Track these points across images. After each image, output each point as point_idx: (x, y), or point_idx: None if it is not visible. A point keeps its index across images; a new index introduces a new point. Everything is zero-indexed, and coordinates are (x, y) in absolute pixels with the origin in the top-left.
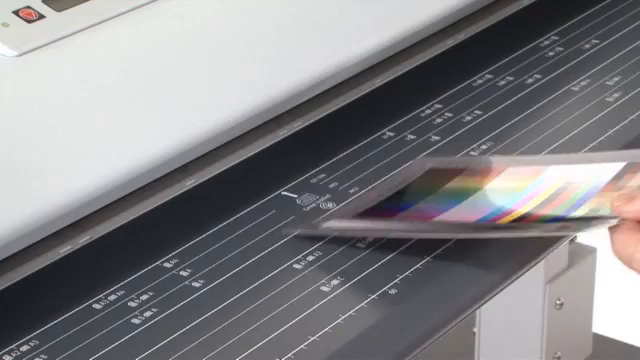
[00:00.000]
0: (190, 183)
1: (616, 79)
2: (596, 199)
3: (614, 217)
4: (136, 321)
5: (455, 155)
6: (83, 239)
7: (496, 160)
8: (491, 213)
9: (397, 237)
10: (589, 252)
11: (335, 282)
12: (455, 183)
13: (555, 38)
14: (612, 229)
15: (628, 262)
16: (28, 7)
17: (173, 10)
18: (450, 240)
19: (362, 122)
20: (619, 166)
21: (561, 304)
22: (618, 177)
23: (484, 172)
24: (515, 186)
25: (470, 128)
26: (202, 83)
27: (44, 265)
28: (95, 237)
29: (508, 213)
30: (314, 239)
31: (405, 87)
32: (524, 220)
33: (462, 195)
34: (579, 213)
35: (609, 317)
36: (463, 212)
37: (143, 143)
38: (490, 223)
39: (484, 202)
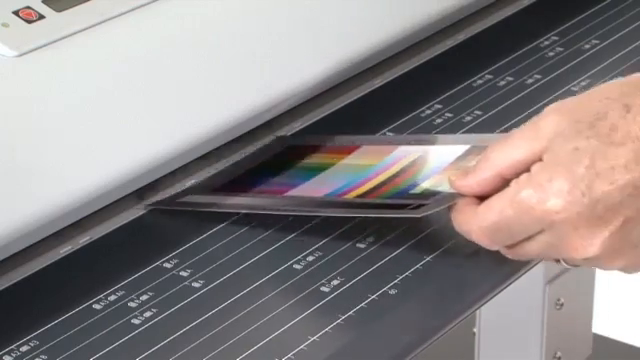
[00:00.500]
0: (190, 183)
1: (616, 79)
2: (437, 176)
3: (452, 195)
4: (136, 321)
5: None
6: (83, 239)
7: (354, 139)
8: (339, 188)
9: (248, 212)
10: None
11: (335, 282)
12: (311, 159)
13: (555, 38)
14: (452, 206)
15: (468, 236)
16: (28, 7)
17: (173, 10)
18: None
19: (362, 122)
20: (463, 148)
21: (561, 304)
22: (461, 158)
23: (340, 150)
24: (366, 163)
25: (470, 128)
26: (202, 83)
27: (44, 265)
28: (95, 237)
29: (355, 188)
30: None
31: (405, 87)
32: (368, 195)
33: (315, 171)
34: (418, 190)
35: (609, 317)
36: (314, 187)
37: (143, 143)
38: (336, 198)
39: (335, 177)
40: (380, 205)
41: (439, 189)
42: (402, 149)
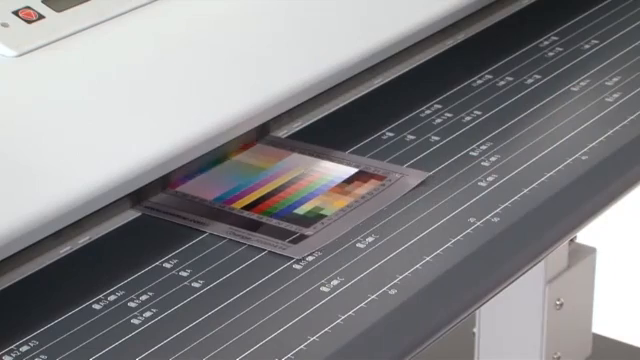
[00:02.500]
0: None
1: (616, 79)
2: (322, 197)
3: (334, 220)
4: (136, 321)
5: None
6: (83, 239)
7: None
8: (228, 192)
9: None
10: (589, 252)
11: (335, 282)
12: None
13: (555, 38)
14: None
15: None
16: (28, 7)
17: (173, 10)
18: (447, 242)
19: (362, 122)
20: (352, 171)
21: (561, 304)
22: (349, 181)
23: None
24: (257, 165)
25: (470, 128)
26: (202, 83)
27: (44, 265)
28: (95, 237)
29: (243, 195)
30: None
31: (405, 87)
32: (254, 209)
33: (209, 163)
34: (302, 211)
35: (609, 317)
36: (205, 184)
37: (143, 143)
38: (223, 207)
39: (226, 176)
40: (263, 226)
41: (322, 212)
42: (295, 157)
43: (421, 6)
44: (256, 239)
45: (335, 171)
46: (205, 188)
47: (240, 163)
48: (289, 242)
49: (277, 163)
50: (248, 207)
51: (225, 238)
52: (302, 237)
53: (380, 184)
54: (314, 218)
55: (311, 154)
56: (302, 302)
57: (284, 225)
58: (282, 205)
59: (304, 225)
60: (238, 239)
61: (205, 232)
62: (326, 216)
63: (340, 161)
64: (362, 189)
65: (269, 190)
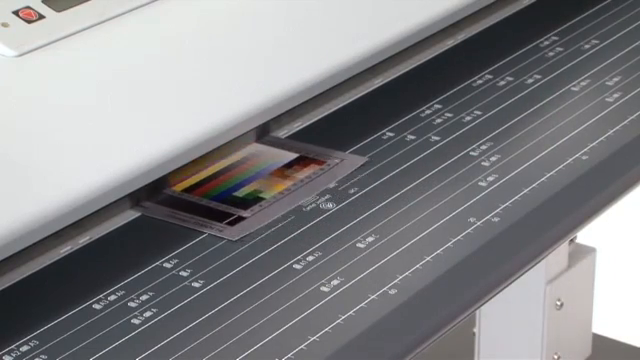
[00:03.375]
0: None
1: (616, 79)
2: (262, 181)
3: (272, 203)
4: (136, 321)
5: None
6: (83, 239)
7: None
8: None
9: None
10: (589, 252)
11: (335, 282)
12: None
13: (555, 38)
14: None
15: None
16: (28, 7)
17: (173, 10)
18: (447, 242)
19: (362, 122)
20: (293, 156)
21: (561, 304)
22: (289, 165)
23: None
24: None
25: (470, 128)
26: (202, 83)
27: (44, 265)
28: (95, 237)
29: (184, 178)
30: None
31: (405, 87)
32: (194, 192)
33: None
34: (241, 193)
35: (609, 317)
36: None
37: (143, 143)
38: (164, 189)
39: None
40: (202, 208)
41: (261, 195)
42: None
43: (421, 6)
44: (194, 221)
45: (276, 156)
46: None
47: None
48: (226, 224)
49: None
50: (188, 190)
51: (224, 239)
52: (239, 219)
53: (319, 168)
54: (252, 200)
55: (255, 140)
56: (302, 302)
57: (223, 207)
58: (222, 188)
59: (242, 207)
60: (177, 222)
61: (205, 232)
62: (264, 199)
63: (282, 146)
64: (301, 173)
65: (210, 173)
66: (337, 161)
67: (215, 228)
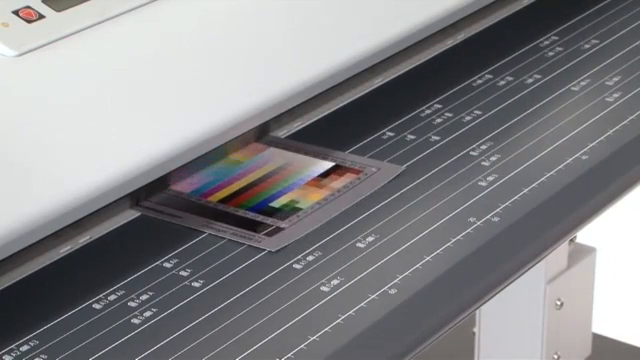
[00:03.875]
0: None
1: (616, 79)
2: (298, 191)
3: (309, 213)
4: (136, 321)
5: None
6: (83, 239)
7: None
8: (205, 185)
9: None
10: (589, 252)
11: (335, 282)
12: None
13: (555, 38)
14: None
15: None
16: (28, 7)
17: (173, 10)
18: (447, 242)
19: (362, 122)
20: (328, 165)
21: (561, 304)
22: (324, 175)
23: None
24: (235, 159)
25: (470, 128)
26: (202, 83)
27: (44, 265)
28: (95, 237)
29: (220, 188)
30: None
31: (405, 87)
32: (230, 202)
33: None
34: (278, 204)
35: (609, 317)
36: (190, 179)
37: (143, 143)
38: (199, 200)
39: (209, 170)
40: (238, 219)
41: (298, 205)
42: (271, 151)
43: (421, 6)
44: (232, 232)
45: (312, 165)
46: (187, 183)
47: (226, 159)
48: (264, 235)
49: (254, 157)
50: (224, 200)
51: (224, 238)
52: (277, 230)
53: (356, 178)
54: (290, 211)
55: (288, 149)
56: (302, 302)
57: (260, 218)
58: (258, 198)
59: (279, 218)
60: (213, 232)
61: (205, 232)
62: (301, 209)
63: (317, 155)
64: (338, 182)
65: (245, 184)
66: (374, 170)
67: (253, 239)
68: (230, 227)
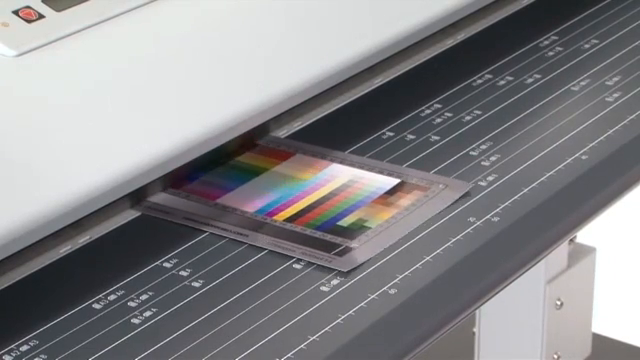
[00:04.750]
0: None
1: (616, 79)
2: (365, 209)
3: (378, 232)
4: (136, 321)
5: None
6: (83, 239)
7: (287, 143)
8: (270, 203)
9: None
10: (589, 252)
11: (335, 282)
12: (243, 158)
13: (555, 38)
14: None
15: None
16: (28, 7)
17: (173, 10)
18: (447, 242)
19: (362, 122)
20: (394, 182)
21: (561, 304)
22: (391, 192)
23: (273, 153)
24: (298, 176)
25: (470, 128)
26: (202, 83)
27: (44, 265)
28: (95, 237)
29: (285, 206)
30: None
31: (405, 87)
32: (297, 221)
33: (248, 174)
34: (345, 223)
35: (609, 317)
36: (246, 195)
37: (143, 143)
38: (265, 219)
39: (267, 187)
40: (307, 238)
41: (366, 224)
42: (335, 167)
43: (421, 6)
44: (301, 252)
45: (377, 182)
46: (245, 199)
47: (280, 174)
48: (334, 254)
49: (317, 174)
50: (290, 219)
51: (226, 238)
52: (347, 249)
53: (423, 195)
54: (358, 230)
55: (351, 164)
56: (302, 302)
57: (329, 237)
58: (325, 217)
59: (348, 237)
60: (281, 251)
61: (205, 232)
62: (370, 228)
63: (381, 171)
64: (405, 200)
65: (311, 202)
66: (441, 187)
67: (324, 259)
68: (299, 246)
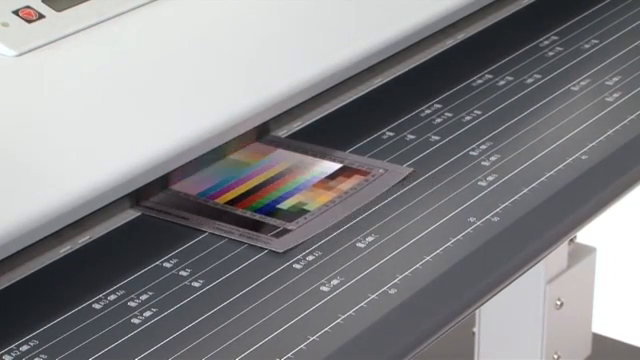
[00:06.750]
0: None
1: (616, 79)
2: (306, 192)
3: (316, 215)
4: (136, 321)
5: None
6: (83, 239)
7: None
8: (213, 186)
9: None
10: (589, 252)
11: (335, 282)
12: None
13: (555, 38)
14: None
15: None
16: (28, 7)
17: (173, 10)
18: (447, 242)
19: (362, 122)
20: (336, 166)
21: (561, 304)
22: (332, 176)
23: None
24: (244, 160)
25: (470, 128)
26: (202, 83)
27: (44, 265)
28: (95, 237)
29: (228, 189)
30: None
31: (405, 87)
32: (238, 204)
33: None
34: (285, 205)
35: (609, 317)
36: (196, 180)
37: (143, 143)
38: (206, 202)
39: (216, 172)
40: (246, 220)
41: (306, 207)
42: (279, 152)
43: (421, 6)
44: (239, 233)
45: (319, 167)
46: (192, 184)
47: (231, 160)
48: (272, 236)
49: (262, 159)
50: (232, 202)
51: (225, 238)
52: (285, 231)
53: (363, 179)
54: (297, 213)
55: (296, 150)
56: (302, 302)
57: (268, 220)
58: (266, 200)
59: (287, 220)
60: (221, 233)
61: (205, 232)
62: (309, 211)
63: (324, 157)
64: (345, 184)
65: (253, 185)
66: (381, 172)
67: (261, 240)
68: (237, 228)
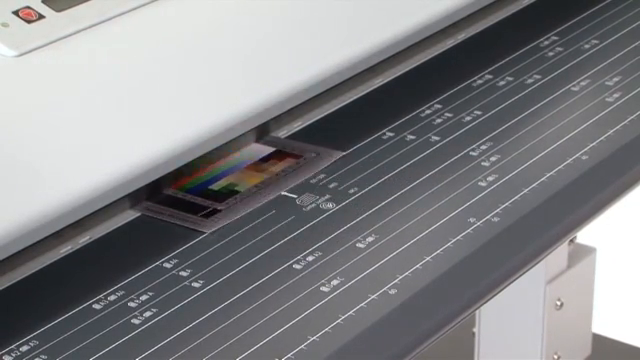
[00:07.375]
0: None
1: (616, 79)
2: (238, 174)
3: (247, 196)
4: (136, 321)
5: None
6: (83, 239)
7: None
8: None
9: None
10: (589, 252)
11: (335, 282)
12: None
13: (555, 38)
14: None
15: None
16: (28, 7)
17: (173, 10)
18: (447, 242)
19: (362, 122)
20: (269, 150)
21: (561, 304)
22: (265, 159)
23: None
24: None
25: (470, 128)
26: (202, 83)
27: (44, 265)
28: (95, 237)
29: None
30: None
31: (405, 87)
32: (173, 186)
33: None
34: (217, 187)
35: (609, 317)
36: None
37: (143, 143)
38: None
39: None
40: (177, 201)
41: (236, 188)
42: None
43: (421, 6)
44: (169, 213)
45: (253, 150)
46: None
47: None
48: (201, 217)
49: None
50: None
51: (225, 237)
52: (214, 212)
53: (295, 162)
54: (228, 194)
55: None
56: (302, 302)
57: (198, 200)
58: (197, 181)
59: (217, 200)
60: (151, 214)
61: (205, 232)
62: (240, 192)
63: (258, 141)
64: (277, 167)
65: (187, 167)
66: (313, 155)
67: (190, 221)
68: (167, 208)
